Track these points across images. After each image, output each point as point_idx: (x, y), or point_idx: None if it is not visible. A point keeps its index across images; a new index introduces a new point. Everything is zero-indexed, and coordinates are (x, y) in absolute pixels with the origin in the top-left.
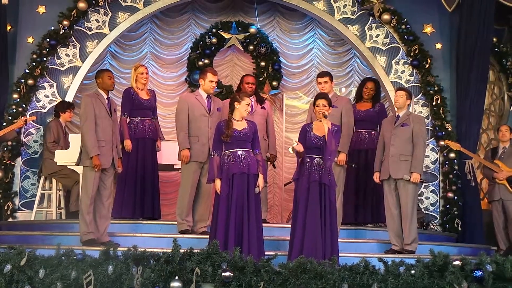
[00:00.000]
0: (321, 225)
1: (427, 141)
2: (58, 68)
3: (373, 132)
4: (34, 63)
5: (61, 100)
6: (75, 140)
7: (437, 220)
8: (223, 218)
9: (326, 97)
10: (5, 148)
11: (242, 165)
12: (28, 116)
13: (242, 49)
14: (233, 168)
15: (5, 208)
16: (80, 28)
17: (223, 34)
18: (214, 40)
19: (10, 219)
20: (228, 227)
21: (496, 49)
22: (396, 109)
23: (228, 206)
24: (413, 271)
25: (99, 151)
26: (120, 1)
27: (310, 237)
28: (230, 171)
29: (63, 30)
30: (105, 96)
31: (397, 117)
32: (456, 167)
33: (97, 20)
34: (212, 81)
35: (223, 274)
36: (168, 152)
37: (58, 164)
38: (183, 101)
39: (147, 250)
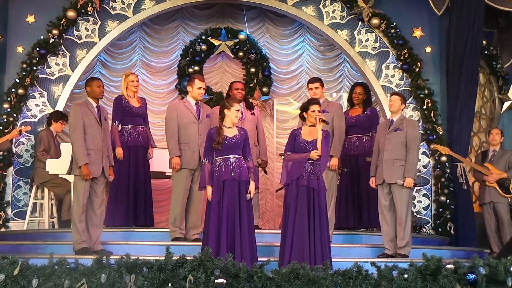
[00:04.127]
0: (309, 230)
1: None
2: (48, 77)
3: (364, 137)
4: (24, 73)
5: (55, 110)
6: (66, 149)
7: (430, 223)
8: (214, 225)
9: (319, 103)
10: None
11: (233, 172)
12: (22, 126)
13: (231, 55)
14: (224, 175)
15: None
16: (69, 37)
17: (213, 40)
18: (203, 47)
19: (2, 229)
20: (219, 233)
21: (486, 52)
22: (390, 113)
23: (219, 212)
24: (406, 275)
25: (89, 159)
26: (109, 10)
27: (298, 243)
28: (221, 178)
29: (53, 39)
30: (95, 105)
31: (391, 121)
32: (448, 171)
33: (86, 29)
34: (200, 88)
35: (216, 281)
36: (160, 159)
37: (49, 173)
38: (172, 109)
39: (140, 258)
